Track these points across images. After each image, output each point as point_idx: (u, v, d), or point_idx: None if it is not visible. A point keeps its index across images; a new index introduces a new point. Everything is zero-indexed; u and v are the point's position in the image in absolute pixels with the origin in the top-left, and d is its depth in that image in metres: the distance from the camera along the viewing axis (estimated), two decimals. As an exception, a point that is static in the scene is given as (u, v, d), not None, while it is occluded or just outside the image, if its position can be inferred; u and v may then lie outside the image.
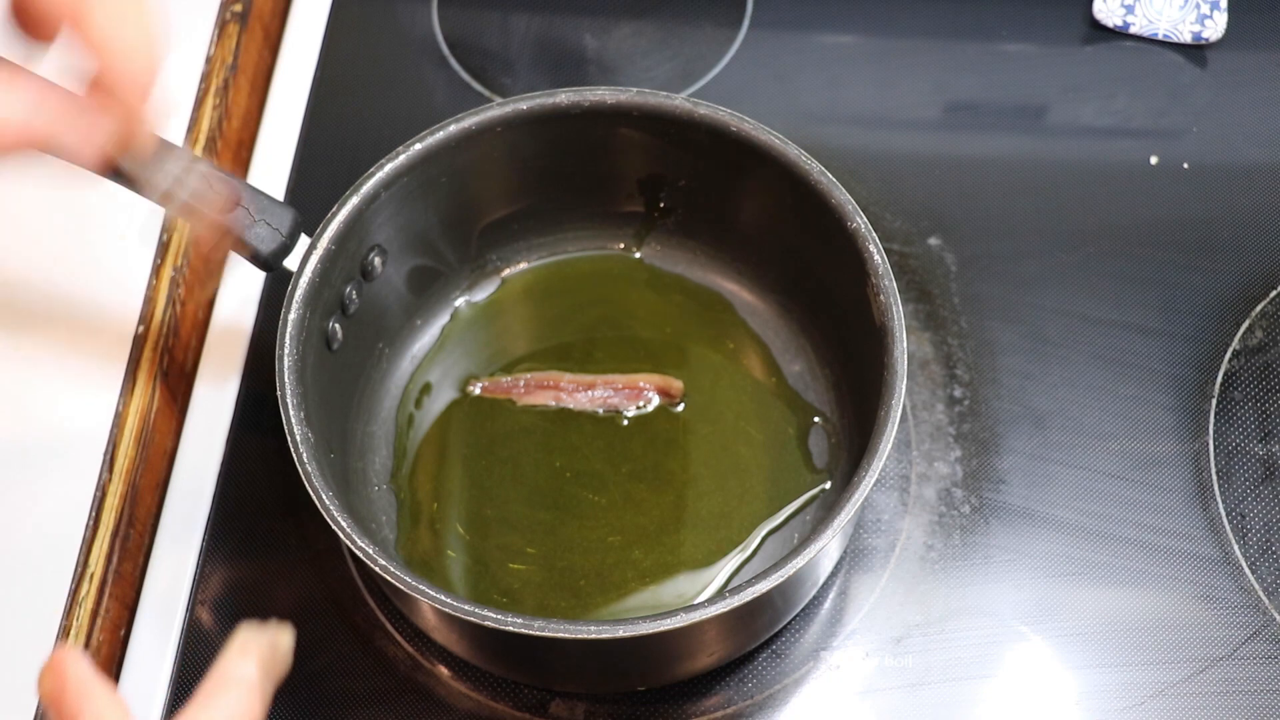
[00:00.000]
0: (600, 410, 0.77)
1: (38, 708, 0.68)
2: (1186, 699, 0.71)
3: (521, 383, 0.77)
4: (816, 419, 0.77)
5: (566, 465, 0.76)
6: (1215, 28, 0.91)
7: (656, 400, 0.77)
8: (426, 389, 0.79)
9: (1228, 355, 0.80)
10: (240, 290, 0.83)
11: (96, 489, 0.74)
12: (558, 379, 0.78)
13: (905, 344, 0.65)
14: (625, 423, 0.77)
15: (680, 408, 0.77)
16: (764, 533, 0.74)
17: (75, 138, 0.50)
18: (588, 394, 0.77)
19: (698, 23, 0.94)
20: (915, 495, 0.77)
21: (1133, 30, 0.92)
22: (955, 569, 0.75)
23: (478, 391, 0.77)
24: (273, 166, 0.88)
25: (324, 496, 0.63)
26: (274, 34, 0.95)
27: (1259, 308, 0.82)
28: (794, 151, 0.70)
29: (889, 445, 0.63)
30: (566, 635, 0.59)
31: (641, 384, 0.77)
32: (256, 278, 0.83)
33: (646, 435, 0.77)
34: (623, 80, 0.92)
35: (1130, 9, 0.91)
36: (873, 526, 0.76)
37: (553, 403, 0.77)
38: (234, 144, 0.90)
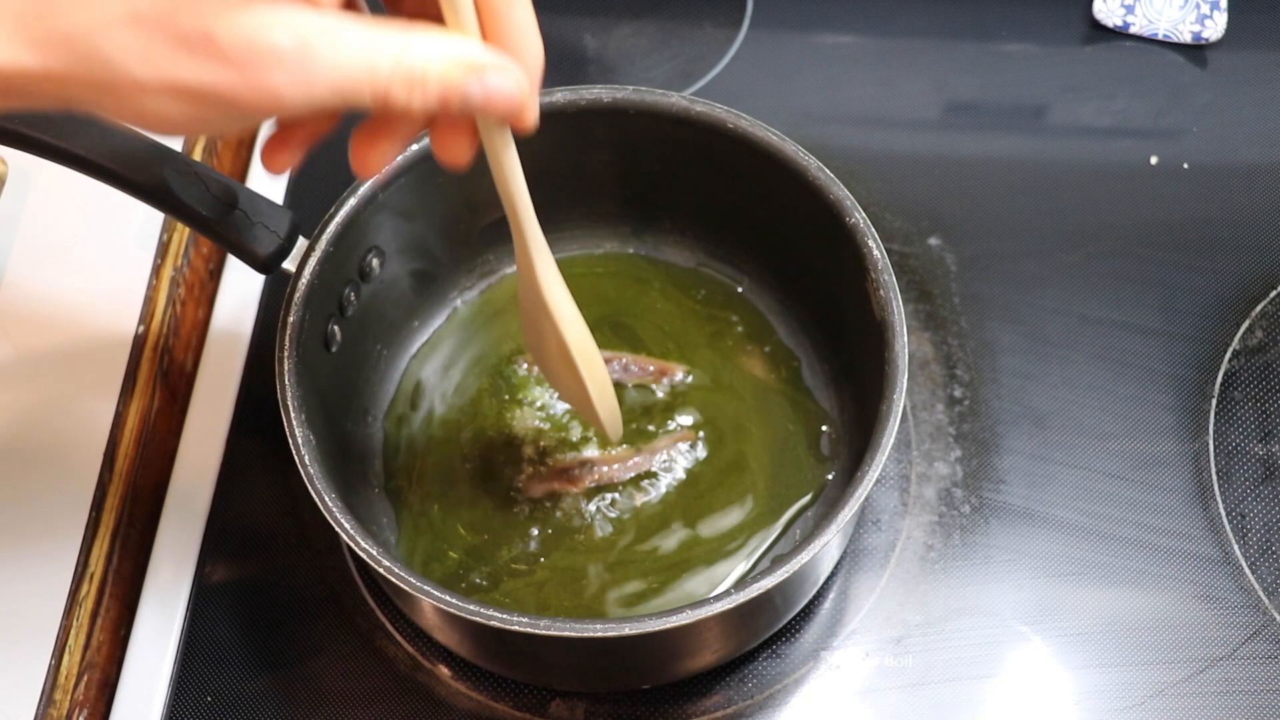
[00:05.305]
0: (623, 379, 0.77)
1: (38, 707, 0.68)
2: (1186, 699, 0.71)
3: None
4: (817, 417, 0.77)
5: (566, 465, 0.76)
6: (1215, 28, 0.91)
7: (667, 382, 0.77)
8: (425, 389, 0.79)
9: (1228, 355, 0.80)
10: (239, 292, 0.83)
11: (96, 489, 0.74)
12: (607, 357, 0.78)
13: (905, 338, 0.65)
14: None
15: (686, 378, 0.77)
16: (764, 531, 0.74)
17: (483, 96, 0.49)
18: (613, 365, 0.78)
19: (698, 23, 0.94)
20: (915, 495, 0.77)
21: (1133, 30, 0.92)
22: (955, 569, 0.75)
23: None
24: (272, 167, 0.88)
25: (327, 499, 0.63)
26: (274, 35, 0.95)
27: (1259, 308, 0.82)
28: (791, 148, 0.70)
29: (890, 441, 0.63)
30: (568, 634, 0.59)
31: (653, 367, 0.78)
32: (255, 280, 0.83)
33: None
34: (622, 80, 0.92)
35: (1130, 9, 0.91)
36: (873, 526, 0.76)
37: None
38: (233, 145, 0.90)
